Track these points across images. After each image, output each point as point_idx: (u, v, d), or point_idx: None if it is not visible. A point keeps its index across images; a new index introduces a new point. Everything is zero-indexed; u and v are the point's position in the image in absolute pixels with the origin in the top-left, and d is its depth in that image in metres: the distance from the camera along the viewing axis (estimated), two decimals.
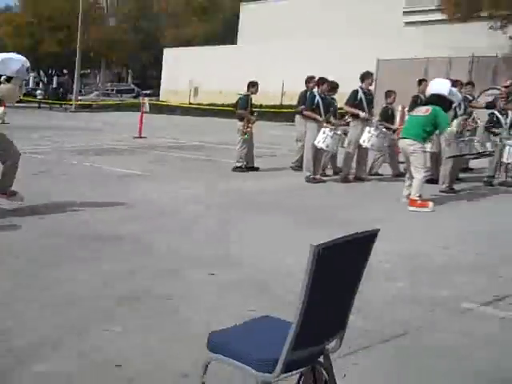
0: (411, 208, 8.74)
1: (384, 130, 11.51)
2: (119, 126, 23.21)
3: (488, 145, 10.08)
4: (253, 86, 12.64)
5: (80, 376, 3.63)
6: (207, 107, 31.88)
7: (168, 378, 3.64)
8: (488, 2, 21.06)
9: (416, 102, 12.55)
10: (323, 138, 10.80)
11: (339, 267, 2.81)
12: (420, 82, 13.17)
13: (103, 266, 5.76)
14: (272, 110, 27.19)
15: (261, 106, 26.93)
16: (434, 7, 26.81)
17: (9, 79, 7.52)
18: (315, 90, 11.79)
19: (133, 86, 53.14)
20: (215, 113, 31.25)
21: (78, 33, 40.15)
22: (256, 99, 13.40)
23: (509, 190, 10.83)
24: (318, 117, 11.14)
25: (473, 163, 12.20)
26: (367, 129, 10.88)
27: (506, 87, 12.13)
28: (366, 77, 11.62)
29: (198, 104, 33.55)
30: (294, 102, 28.50)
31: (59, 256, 6.09)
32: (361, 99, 11.32)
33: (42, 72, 54.87)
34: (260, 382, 2.71)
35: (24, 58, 7.77)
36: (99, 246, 6.51)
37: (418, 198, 8.76)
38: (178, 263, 5.90)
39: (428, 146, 10.10)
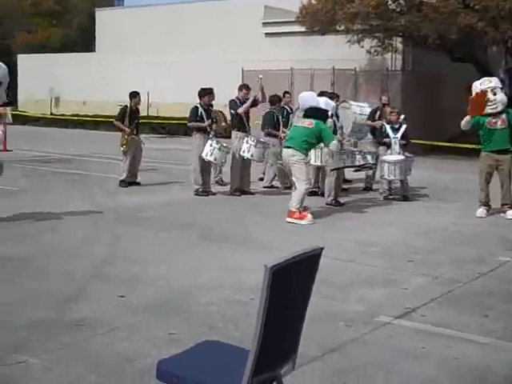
0: (289, 219, 8.84)
1: (262, 139, 11.67)
2: None
3: (369, 157, 10.44)
4: (134, 96, 12.34)
5: None
6: (72, 118, 30.88)
7: None
8: (344, 17, 21.92)
9: (282, 114, 12.96)
10: (210, 150, 10.84)
11: (291, 287, 2.84)
12: (284, 94, 13.63)
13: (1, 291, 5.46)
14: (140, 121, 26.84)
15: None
16: (293, 19, 27.56)
17: None
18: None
19: None
20: (80, 124, 30.30)
21: None
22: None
23: (391, 202, 11.07)
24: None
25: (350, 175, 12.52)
26: (245, 139, 10.94)
27: (384, 105, 12.63)
28: (240, 88, 11.84)
29: (61, 115, 32.44)
30: (161, 114, 28.47)
31: None
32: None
33: None
34: None
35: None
36: None
37: (296, 210, 8.88)
38: (82, 285, 5.70)
39: (312, 160, 10.39)
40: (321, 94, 11.25)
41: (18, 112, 31.22)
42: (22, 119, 29.90)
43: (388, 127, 11.38)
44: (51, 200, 10.18)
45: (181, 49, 31.42)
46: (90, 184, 12.27)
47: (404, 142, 11.34)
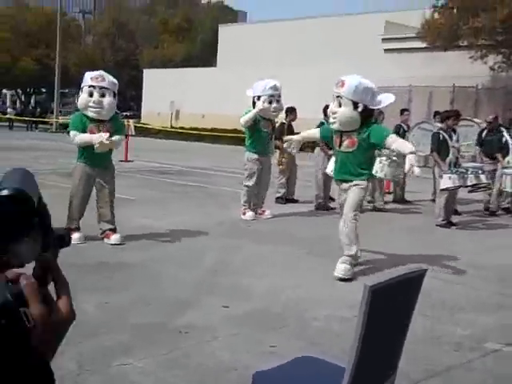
0: None
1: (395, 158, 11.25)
2: None
3: (482, 176, 10.09)
4: (290, 112, 12.09)
5: None
6: (190, 132, 31.84)
7: None
8: (468, 32, 21.35)
9: (398, 133, 12.60)
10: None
11: (391, 307, 2.79)
12: (402, 111, 13.34)
13: (113, 296, 5.68)
14: None
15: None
16: (413, 35, 27.14)
17: None
18: None
19: None
20: (199, 137, 31.15)
21: (57, 50, 39.85)
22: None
23: (509, 224, 10.68)
24: None
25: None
26: (378, 159, 10.58)
27: (489, 122, 12.27)
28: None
29: (181, 128, 33.54)
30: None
31: None
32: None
33: (19, 90, 54.40)
34: None
35: None
36: (106, 274, 6.44)
37: None
38: (189, 294, 5.85)
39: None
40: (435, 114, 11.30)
41: (140, 124, 32.54)
42: (143, 131, 31.15)
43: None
44: (167, 210, 10.51)
45: (299, 63, 31.68)
46: (205, 196, 12.53)
47: None
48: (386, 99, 6.87)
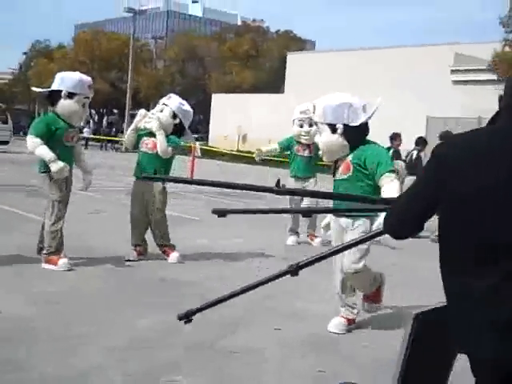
0: None
1: None
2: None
3: None
4: (395, 138, 11.97)
5: None
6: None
7: None
8: None
9: None
10: None
11: (439, 337, 2.73)
12: None
13: (166, 313, 5.74)
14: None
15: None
16: (483, 67, 26.78)
17: (70, 95, 6.96)
18: None
19: None
20: (263, 161, 31.25)
21: (129, 73, 41.14)
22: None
23: None
24: None
25: None
26: None
27: None
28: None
29: (247, 152, 33.91)
30: None
31: (122, 300, 6.11)
32: None
33: (92, 111, 56.26)
34: None
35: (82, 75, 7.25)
36: (162, 291, 6.53)
37: None
38: (241, 314, 5.86)
39: None
40: None
41: (207, 147, 33.06)
42: (210, 153, 31.62)
43: None
44: (226, 232, 10.53)
45: (367, 92, 31.56)
46: (268, 219, 12.44)
47: None
48: (369, 108, 5.68)
